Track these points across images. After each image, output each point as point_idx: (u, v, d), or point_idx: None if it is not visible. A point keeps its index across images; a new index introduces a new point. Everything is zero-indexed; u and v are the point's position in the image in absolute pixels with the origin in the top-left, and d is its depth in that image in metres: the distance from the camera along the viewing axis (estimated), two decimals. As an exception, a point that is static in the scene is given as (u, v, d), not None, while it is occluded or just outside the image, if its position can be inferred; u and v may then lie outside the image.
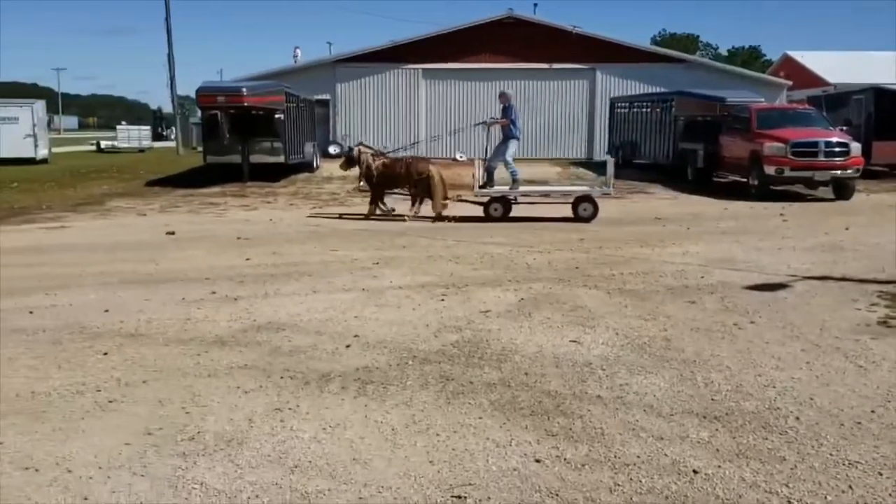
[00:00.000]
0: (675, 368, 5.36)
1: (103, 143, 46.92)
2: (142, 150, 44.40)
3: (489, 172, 13.61)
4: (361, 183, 14.81)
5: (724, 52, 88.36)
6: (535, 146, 34.28)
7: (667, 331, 6.29)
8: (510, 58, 33.69)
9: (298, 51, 41.30)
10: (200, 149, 27.42)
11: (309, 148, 26.14)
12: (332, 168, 26.99)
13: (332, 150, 31.79)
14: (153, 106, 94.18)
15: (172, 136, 49.59)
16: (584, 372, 5.27)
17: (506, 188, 13.66)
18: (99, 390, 4.89)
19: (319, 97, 31.46)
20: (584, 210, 13.19)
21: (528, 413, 4.54)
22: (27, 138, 30.96)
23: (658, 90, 28.61)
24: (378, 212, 13.69)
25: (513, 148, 13.72)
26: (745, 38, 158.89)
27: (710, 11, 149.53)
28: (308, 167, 25.70)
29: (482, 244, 10.67)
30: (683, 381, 5.09)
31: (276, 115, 21.79)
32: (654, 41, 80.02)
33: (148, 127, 52.91)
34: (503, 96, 14.31)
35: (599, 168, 27.69)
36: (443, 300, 7.32)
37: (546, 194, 14.74)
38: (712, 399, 4.78)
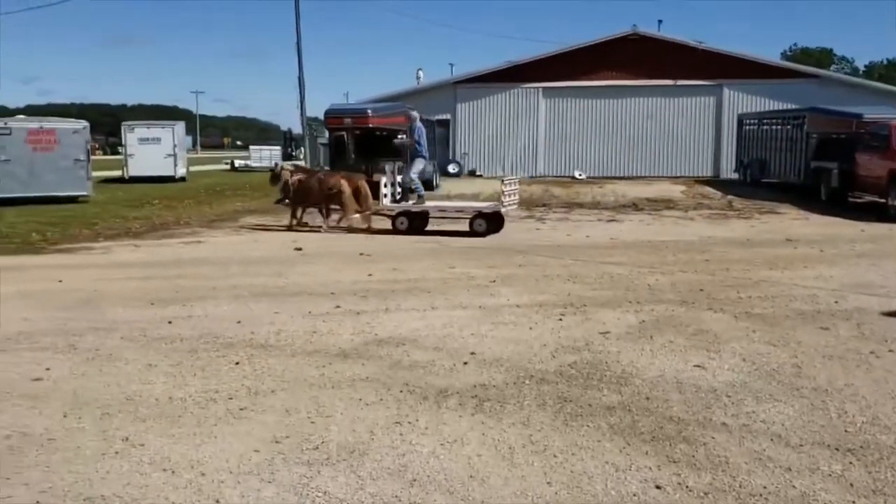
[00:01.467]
0: (805, 397, 5.11)
1: (237, 163, 49.35)
2: (273, 169, 46.35)
3: (403, 188, 14.76)
4: (285, 199, 15.74)
5: (860, 66, 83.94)
6: (658, 164, 33.63)
7: (797, 357, 6.01)
8: (633, 75, 33.25)
9: (421, 72, 42.18)
10: (328, 168, 28.38)
11: (429, 167, 26.57)
12: (451, 187, 27.37)
13: (452, 168, 32.21)
14: (283, 127, 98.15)
15: (301, 156, 51.55)
16: (708, 398, 5.11)
17: (431, 203, 14.84)
18: (231, 398, 5.14)
19: (440, 117, 31.99)
20: (478, 225, 13.89)
21: (649, 438, 4.45)
22: (168, 158, 32.93)
23: (789, 107, 27.48)
24: (294, 223, 14.98)
25: (419, 165, 15.09)
26: (884, 52, 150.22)
27: (845, 24, 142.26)
28: (426, 185, 26.08)
29: (601, 263, 10.53)
30: (815, 411, 4.85)
31: (399, 136, 22.30)
32: (785, 56, 76.88)
33: (279, 147, 55.19)
34: (408, 117, 15.50)
35: (727, 186, 26.84)
36: (560, 320, 7.28)
37: (443, 209, 15.30)
38: (846, 431, 4.54)
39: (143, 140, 33.40)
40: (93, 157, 25.14)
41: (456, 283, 9.14)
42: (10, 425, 4.60)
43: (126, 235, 14.51)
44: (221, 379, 5.54)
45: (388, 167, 15.34)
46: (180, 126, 34.97)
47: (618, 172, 33.94)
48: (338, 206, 14.71)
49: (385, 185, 14.52)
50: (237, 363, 5.92)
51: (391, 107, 24.37)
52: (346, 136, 21.43)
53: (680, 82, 33.19)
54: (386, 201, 14.57)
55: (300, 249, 12.16)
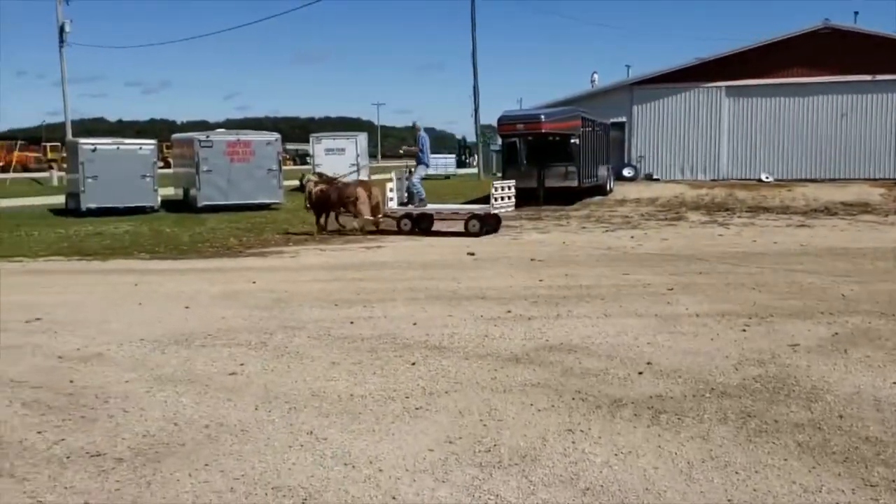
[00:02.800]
0: None
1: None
2: (447, 177, 47.46)
3: (409, 192, 16.22)
4: (307, 205, 16.95)
5: None
6: (853, 165, 31.17)
7: None
8: (825, 71, 30.99)
9: (596, 76, 41.57)
10: (499, 174, 28.65)
11: (603, 171, 26.17)
12: (626, 191, 26.79)
13: (627, 172, 31.51)
14: (458, 135, 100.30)
15: (474, 164, 52.42)
16: (912, 419, 4.67)
17: (431, 206, 16.28)
18: (407, 397, 5.29)
19: (615, 120, 31.39)
20: (472, 226, 15.16)
21: (842, 459, 4.13)
22: (351, 167, 34.51)
23: None
24: (320, 229, 16.19)
25: (421, 172, 16.63)
26: None
27: None
28: (601, 191, 25.72)
29: (790, 271, 9.92)
30: None
31: (572, 140, 22.13)
32: None
33: (453, 155, 56.44)
34: (414, 128, 17.50)
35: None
36: (744, 331, 6.92)
37: (440, 212, 16.46)
38: None
39: (328, 150, 35.27)
40: (283, 167, 26.82)
41: (631, 291, 8.92)
42: (209, 416, 4.99)
43: (313, 240, 15.34)
44: (398, 378, 5.72)
45: (394, 175, 16.76)
46: (363, 137, 36.55)
47: (808, 175, 31.75)
48: (352, 211, 16.11)
49: (391, 191, 16.01)
50: (413, 363, 6.09)
51: (564, 111, 24.21)
52: (518, 143, 21.55)
53: (879, 77, 30.59)
54: (392, 205, 16.00)
55: (473, 255, 12.35)
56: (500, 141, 29.39)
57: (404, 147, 18.63)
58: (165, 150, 44.99)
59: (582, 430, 4.62)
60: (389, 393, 5.38)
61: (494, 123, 26.71)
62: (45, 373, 6.01)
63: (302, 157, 58.51)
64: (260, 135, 26.34)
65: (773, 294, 8.55)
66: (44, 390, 5.55)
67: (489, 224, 15.38)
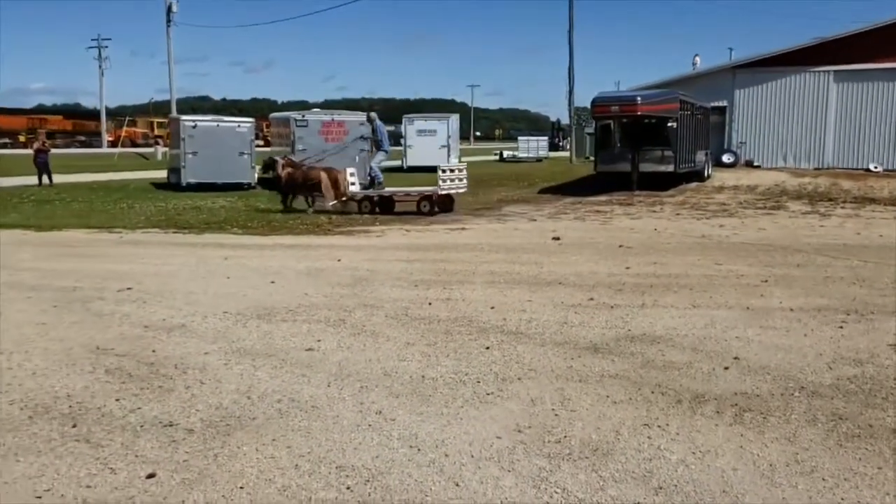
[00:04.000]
0: None
1: (505, 154, 50.63)
2: (539, 160, 46.97)
3: (370, 177, 18.18)
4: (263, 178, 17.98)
5: None
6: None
7: None
8: (945, 55, 29.07)
9: (698, 58, 40.35)
10: (592, 158, 28.13)
11: (701, 157, 25.33)
12: (724, 178, 25.88)
13: (726, 158, 30.43)
14: (553, 118, 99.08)
15: (567, 146, 51.69)
16: None
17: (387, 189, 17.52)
18: (479, 382, 5.20)
19: (716, 104, 30.30)
20: (424, 206, 16.13)
21: (945, 472, 3.81)
22: (442, 148, 34.57)
23: None
24: (284, 207, 16.84)
25: (379, 157, 19.25)
26: None
27: None
28: (699, 176, 24.91)
29: (895, 266, 9.31)
30: None
31: (669, 124, 21.45)
32: None
33: (546, 137, 55.78)
34: (369, 118, 20.32)
35: None
36: (841, 328, 6.51)
37: (395, 193, 17.20)
38: None
39: (420, 132, 35.44)
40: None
41: (722, 281, 8.55)
42: (282, 390, 5.02)
43: (399, 221, 15.38)
44: (471, 362, 5.63)
45: (355, 160, 17.89)
46: (454, 119, 36.53)
47: (923, 165, 29.97)
48: (318, 193, 16.74)
49: (352, 175, 16.79)
50: (487, 348, 5.99)
51: (661, 94, 23.48)
52: (612, 125, 21.04)
53: None
54: (354, 188, 16.78)
55: (558, 239, 12.12)
56: (594, 123, 28.78)
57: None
58: (266, 129, 46.17)
59: (659, 426, 4.42)
60: (461, 377, 5.30)
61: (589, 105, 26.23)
62: (130, 341, 6.19)
63: (395, 139, 59.17)
64: (353, 115, 26.59)
65: (874, 289, 8.04)
66: (127, 358, 5.71)
67: (441, 204, 16.25)
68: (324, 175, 16.71)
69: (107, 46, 78.13)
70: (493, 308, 7.32)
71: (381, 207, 16.38)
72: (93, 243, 12.09)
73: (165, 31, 47.96)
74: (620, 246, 11.29)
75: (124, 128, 63.47)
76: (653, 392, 4.97)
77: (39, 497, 3.51)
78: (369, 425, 4.43)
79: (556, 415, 4.60)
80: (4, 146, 75.50)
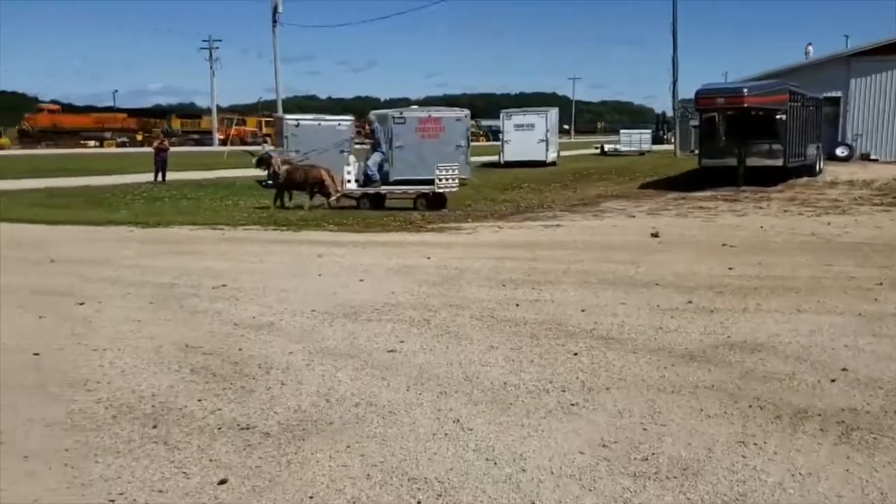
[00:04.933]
0: None
1: (606, 147, 49.66)
2: (641, 154, 45.84)
3: (365, 175, 18.26)
4: (267, 181, 18.39)
5: None
6: None
7: None
8: None
9: (810, 48, 38.35)
10: (697, 152, 27.18)
11: (812, 150, 24.06)
12: (837, 172, 24.51)
13: (840, 152, 28.80)
14: (657, 110, 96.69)
15: (672, 140, 50.22)
16: None
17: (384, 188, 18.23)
18: (564, 391, 4.97)
19: (829, 95, 28.71)
20: (421, 204, 16.87)
21: None
22: (540, 143, 34.16)
23: None
24: (278, 204, 17.21)
25: (375, 158, 19.07)
26: None
27: None
28: (809, 171, 23.66)
29: None
30: None
31: (778, 116, 20.43)
32: None
33: (649, 131, 54.41)
34: (368, 120, 20.93)
35: None
36: (970, 338, 5.93)
37: (393, 192, 18.06)
38: None
39: (518, 126, 35.09)
40: (476, 143, 27.07)
41: (832, 284, 7.99)
42: (361, 393, 4.93)
43: (491, 217, 15.22)
44: (557, 369, 5.40)
45: (351, 160, 18.19)
46: (553, 112, 36.02)
47: None
48: (318, 191, 17.27)
49: (349, 174, 17.43)
50: (575, 354, 5.74)
51: (769, 85, 22.39)
52: (717, 118, 20.20)
53: None
54: (351, 186, 17.44)
55: (657, 237, 11.66)
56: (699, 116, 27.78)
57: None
58: (366, 127, 46.89)
59: (756, 444, 4.09)
60: (545, 385, 5.08)
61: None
62: (218, 339, 6.25)
63: (495, 133, 58.91)
64: (450, 111, 26.58)
65: None
66: (213, 357, 5.76)
67: (435, 202, 16.81)
68: (324, 173, 17.32)
69: (217, 47, 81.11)
70: (583, 311, 7.05)
71: (374, 204, 17.20)
72: (195, 240, 12.44)
73: (271, 31, 49.26)
74: (724, 245, 10.76)
75: (233, 126, 65.68)
76: (750, 406, 4.62)
77: (112, 501, 3.52)
78: (445, 434, 4.28)
79: (644, 429, 4.33)
80: (123, 144, 79.53)
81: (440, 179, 16.71)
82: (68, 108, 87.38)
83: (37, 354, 5.82)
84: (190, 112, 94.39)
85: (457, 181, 17.17)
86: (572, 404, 4.73)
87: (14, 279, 8.94)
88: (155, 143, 28.68)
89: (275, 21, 49.29)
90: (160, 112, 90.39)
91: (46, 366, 5.56)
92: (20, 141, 76.68)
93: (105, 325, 6.78)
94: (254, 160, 18.45)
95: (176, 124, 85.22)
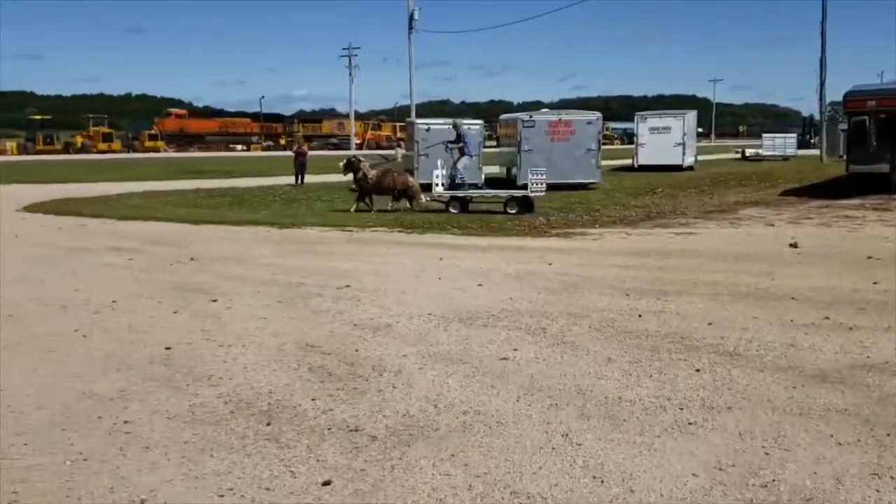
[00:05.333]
0: None
1: (748, 151, 47.54)
2: (785, 159, 43.55)
3: (451, 179, 18.44)
4: (352, 187, 18.52)
5: None
6: None
7: None
8: None
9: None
10: (845, 157, 25.53)
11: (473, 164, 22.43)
12: None
13: None
14: (804, 113, 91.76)
15: (818, 144, 47.50)
16: None
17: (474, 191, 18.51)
18: (682, 408, 4.74)
19: None
20: (511, 208, 16.81)
21: None
22: (676, 147, 33.08)
23: None
24: (362, 208, 17.59)
25: (463, 162, 19.53)
26: None
27: None
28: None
29: None
30: None
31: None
32: None
33: (794, 134, 51.67)
34: (454, 125, 21.16)
35: None
36: None
37: (485, 195, 18.38)
38: None
39: (653, 129, 34.15)
40: (611, 147, 26.54)
41: None
42: (469, 401, 4.89)
43: (621, 223, 14.85)
44: (676, 385, 5.16)
45: (439, 163, 18.36)
46: (691, 115, 34.81)
47: None
48: (404, 196, 17.79)
49: (437, 177, 17.62)
50: (697, 370, 5.47)
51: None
52: (867, 121, 18.88)
53: None
54: (439, 190, 17.59)
55: (796, 247, 11.00)
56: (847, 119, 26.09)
57: (448, 142, 20.57)
58: (500, 130, 46.98)
59: (892, 477, 3.75)
60: (662, 401, 4.86)
61: (843, 99, 23.80)
62: (337, 339, 6.38)
63: (630, 137, 57.63)
64: (581, 114, 26.18)
65: None
66: (331, 357, 5.88)
67: (525, 205, 16.85)
68: (410, 178, 18.20)
69: (356, 55, 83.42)
70: (710, 324, 6.73)
71: (463, 207, 17.32)
72: (325, 241, 12.82)
73: (407, 37, 50.27)
74: (869, 257, 10.01)
75: (369, 131, 67.53)
76: (888, 434, 4.24)
77: (222, 496, 3.64)
78: (553, 448, 4.16)
79: (766, 453, 4.06)
80: (268, 148, 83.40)
81: (533, 184, 16.94)
82: (196, 113, 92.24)
83: (168, 349, 6.13)
84: (311, 118, 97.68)
85: (545, 186, 17.29)
86: (690, 423, 4.51)
87: (156, 276, 9.50)
88: (294, 148, 29.87)
89: (411, 28, 50.30)
90: (281, 117, 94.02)
91: (175, 360, 5.85)
92: (168, 144, 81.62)
93: (233, 321, 7.07)
94: (341, 165, 18.69)
95: (299, 129, 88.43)
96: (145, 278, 9.34)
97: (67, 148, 73.04)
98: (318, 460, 4.02)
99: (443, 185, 17.94)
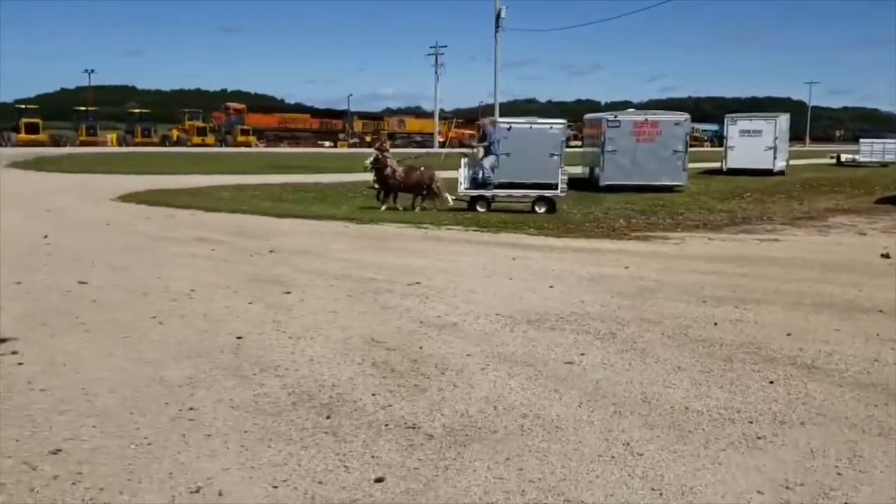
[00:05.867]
0: None
1: (843, 157, 45.63)
2: (884, 165, 41.56)
3: (474, 178, 18.19)
4: (373, 185, 18.20)
5: None
6: None
7: None
8: None
9: None
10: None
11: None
12: None
13: None
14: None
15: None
16: None
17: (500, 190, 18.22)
18: (751, 422, 4.55)
19: None
20: (539, 207, 17.22)
21: None
22: (767, 150, 32.00)
23: None
24: (387, 206, 17.32)
25: (490, 160, 18.73)
26: None
27: None
28: None
29: None
30: None
31: None
32: None
33: (894, 140, 49.24)
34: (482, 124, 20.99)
35: None
36: None
37: (511, 195, 18.18)
38: None
39: (743, 132, 33.14)
40: (700, 149, 25.86)
41: None
42: (530, 404, 4.81)
43: (704, 227, 14.45)
44: (748, 398, 4.96)
45: (463, 161, 18.39)
46: (784, 118, 33.62)
47: None
48: (429, 194, 17.42)
49: (462, 176, 17.78)
50: (771, 382, 5.25)
51: None
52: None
53: None
54: (462, 188, 17.79)
55: (888, 257, 10.46)
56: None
57: (473, 142, 21.48)
58: (584, 130, 46.43)
59: (978, 509, 3.50)
60: (731, 413, 4.68)
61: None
62: (403, 336, 6.39)
63: (719, 139, 56.02)
64: (668, 115, 25.64)
65: None
66: (395, 353, 5.89)
67: (551, 204, 17.28)
68: (437, 175, 17.62)
69: (443, 53, 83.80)
70: (789, 335, 6.46)
71: (489, 205, 17.60)
72: (400, 237, 12.90)
73: (493, 36, 50.17)
74: (970, 270, 9.44)
75: (452, 129, 67.73)
76: (978, 463, 3.97)
77: (276, 487, 3.67)
78: (612, 457, 4.05)
79: (839, 473, 3.85)
80: (354, 145, 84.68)
81: (561, 184, 17.48)
82: (255, 108, 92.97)
83: (239, 338, 6.26)
84: (369, 115, 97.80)
85: (566, 187, 17.78)
86: (758, 437, 4.32)
87: (236, 267, 9.73)
88: (376, 145, 30.19)
89: (497, 26, 50.19)
90: (342, 113, 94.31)
91: (245, 349, 5.96)
92: (259, 139, 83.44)
93: (304, 313, 7.16)
94: (367, 162, 18.20)
95: (357, 126, 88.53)
96: (225, 269, 9.57)
97: (164, 141, 75.76)
98: (372, 456, 4.02)
99: (481, 181, 18.00)
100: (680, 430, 4.44)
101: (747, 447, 4.20)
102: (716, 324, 6.84)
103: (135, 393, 4.91)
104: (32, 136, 62.60)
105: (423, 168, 18.29)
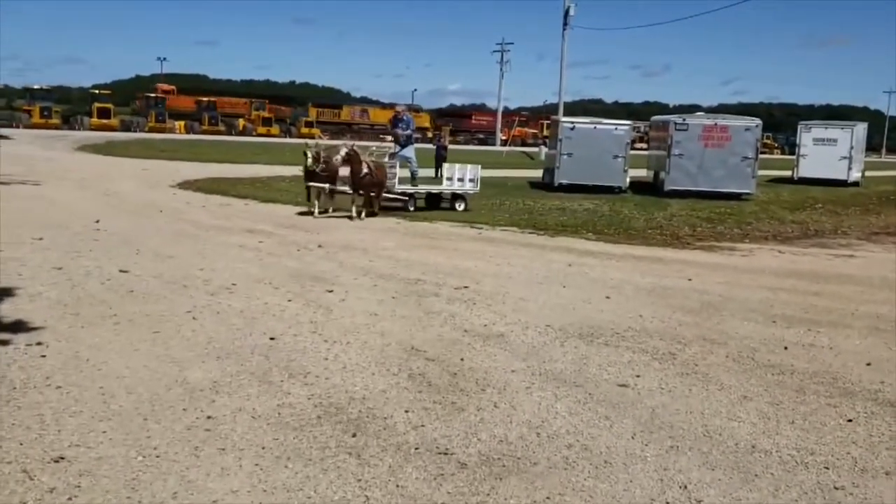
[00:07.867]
0: None
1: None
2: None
3: (411, 173, 16.82)
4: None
5: None
6: None
7: None
8: None
9: None
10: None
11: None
12: None
13: None
14: None
15: None
16: None
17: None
18: (827, 468, 4.03)
19: None
20: (458, 205, 16.38)
21: None
22: (842, 160, 30.67)
23: None
24: (320, 210, 14.61)
25: (410, 151, 16.89)
26: None
27: None
28: None
29: None
30: None
31: None
32: None
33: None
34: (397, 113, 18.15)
35: None
36: None
37: (443, 192, 16.93)
38: None
39: (817, 140, 31.84)
40: (771, 156, 24.84)
41: None
42: (577, 432, 4.36)
43: (774, 239, 13.69)
44: (823, 437, 4.42)
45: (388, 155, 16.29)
46: (860, 127, 32.16)
47: None
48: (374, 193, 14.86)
49: (391, 168, 15.73)
50: (850, 420, 4.70)
51: None
52: None
53: None
54: (398, 187, 15.87)
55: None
56: None
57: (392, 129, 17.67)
58: (651, 132, 45.39)
59: None
60: (804, 455, 4.15)
61: None
62: (444, 345, 5.99)
63: (792, 147, 54.15)
64: (739, 119, 24.65)
65: None
66: (434, 364, 5.49)
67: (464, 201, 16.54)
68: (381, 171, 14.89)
69: (509, 50, 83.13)
70: (868, 364, 5.86)
71: (429, 203, 16.71)
72: (452, 237, 12.49)
73: (561, 34, 49.40)
74: None
75: (515, 127, 67.07)
76: None
77: (286, 514, 3.31)
78: (666, 502, 3.58)
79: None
80: (416, 140, 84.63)
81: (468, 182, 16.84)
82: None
83: (272, 339, 5.94)
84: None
85: (478, 186, 16.96)
86: (836, 487, 3.79)
87: (281, 261, 9.46)
88: (438, 141, 29.96)
89: (565, 24, 49.40)
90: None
91: (277, 351, 5.63)
92: (323, 131, 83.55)
93: (344, 315, 6.82)
94: (308, 154, 14.84)
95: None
96: (270, 262, 9.31)
97: (230, 130, 76.74)
98: (397, 485, 3.63)
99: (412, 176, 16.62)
100: (745, 472, 3.93)
101: (823, 498, 3.68)
102: (786, 348, 6.27)
103: (153, 396, 4.61)
104: (104, 121, 64.07)
105: (378, 166, 15.09)
